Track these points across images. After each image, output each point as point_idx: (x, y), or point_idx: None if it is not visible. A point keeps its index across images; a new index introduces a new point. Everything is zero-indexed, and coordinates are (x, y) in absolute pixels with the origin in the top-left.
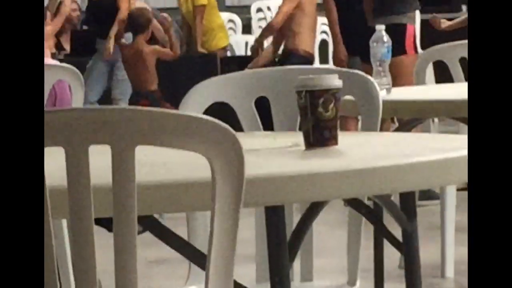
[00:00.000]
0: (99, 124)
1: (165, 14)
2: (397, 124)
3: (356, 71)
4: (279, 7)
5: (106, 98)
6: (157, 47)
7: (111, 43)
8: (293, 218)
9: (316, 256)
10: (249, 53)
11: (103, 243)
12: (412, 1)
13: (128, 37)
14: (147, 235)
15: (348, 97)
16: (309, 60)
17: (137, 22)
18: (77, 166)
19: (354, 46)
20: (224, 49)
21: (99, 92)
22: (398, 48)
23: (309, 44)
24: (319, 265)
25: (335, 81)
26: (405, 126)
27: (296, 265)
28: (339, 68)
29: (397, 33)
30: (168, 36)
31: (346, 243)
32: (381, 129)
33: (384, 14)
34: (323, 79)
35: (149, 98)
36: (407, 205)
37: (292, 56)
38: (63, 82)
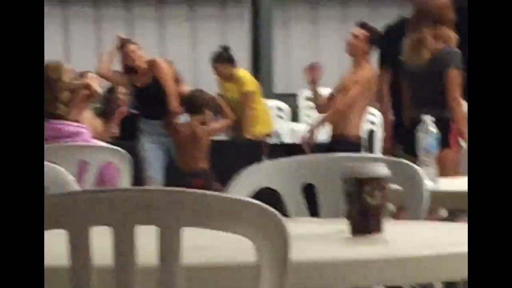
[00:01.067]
0: (147, 204)
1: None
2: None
3: (403, 160)
4: (340, 90)
5: (170, 173)
6: (210, 127)
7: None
8: None
9: None
10: (296, 140)
11: None
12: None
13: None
14: None
15: (394, 185)
16: (358, 144)
17: (194, 104)
18: (124, 246)
19: (398, 138)
20: (268, 135)
21: (161, 168)
22: (442, 141)
23: (358, 128)
24: None
25: (382, 170)
26: (451, 216)
27: None
28: (386, 157)
29: (441, 127)
30: (218, 105)
31: None
32: (429, 218)
33: (427, 107)
34: (370, 167)
35: (201, 177)
36: None
37: (342, 142)
38: (111, 164)
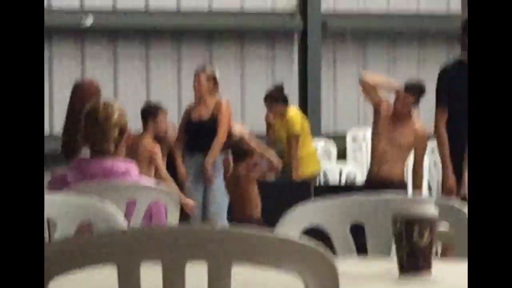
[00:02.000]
0: (197, 242)
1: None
2: None
3: (452, 201)
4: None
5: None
6: (255, 173)
7: (209, 162)
8: None
9: None
10: (343, 181)
11: None
12: None
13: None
14: None
15: (443, 226)
16: (404, 187)
17: (239, 151)
18: (174, 282)
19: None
20: (314, 176)
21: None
22: None
23: (404, 172)
24: None
25: (431, 210)
26: None
27: None
28: (434, 198)
29: None
30: (262, 155)
31: None
32: None
33: None
34: (419, 208)
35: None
36: None
37: (388, 186)
38: (159, 204)
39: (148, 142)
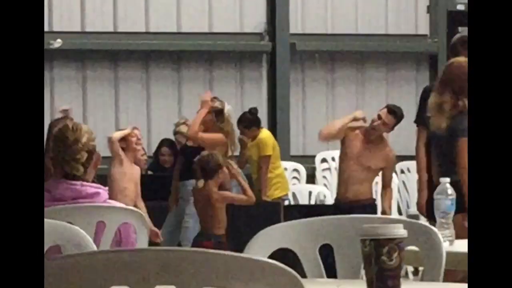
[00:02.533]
0: (166, 265)
1: (231, 161)
2: None
3: (420, 222)
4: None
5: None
6: (228, 193)
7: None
8: None
9: None
10: (312, 202)
11: None
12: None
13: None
14: None
15: (411, 247)
16: (373, 206)
17: (208, 167)
18: None
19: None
20: (284, 198)
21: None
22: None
23: (371, 190)
24: None
25: (400, 231)
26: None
27: None
28: (403, 218)
29: (456, 191)
30: (239, 182)
31: None
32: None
33: (446, 171)
34: (388, 228)
35: (212, 240)
36: None
37: (357, 207)
38: (128, 225)
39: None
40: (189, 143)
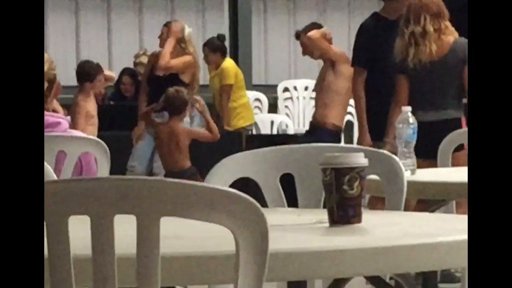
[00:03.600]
0: (125, 194)
1: (197, 97)
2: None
3: (382, 150)
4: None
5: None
6: (192, 129)
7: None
8: None
9: None
10: (274, 131)
11: None
12: (462, 91)
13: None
14: None
15: (373, 176)
16: (337, 133)
17: (174, 103)
18: (102, 235)
19: (381, 133)
20: (248, 128)
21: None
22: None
23: (338, 117)
24: None
25: (361, 160)
26: (429, 207)
27: None
28: (365, 147)
29: (455, 128)
30: (205, 119)
31: None
32: (407, 209)
33: (435, 108)
34: (348, 157)
35: (184, 176)
36: (429, 285)
37: (320, 130)
38: (89, 155)
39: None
40: (159, 73)
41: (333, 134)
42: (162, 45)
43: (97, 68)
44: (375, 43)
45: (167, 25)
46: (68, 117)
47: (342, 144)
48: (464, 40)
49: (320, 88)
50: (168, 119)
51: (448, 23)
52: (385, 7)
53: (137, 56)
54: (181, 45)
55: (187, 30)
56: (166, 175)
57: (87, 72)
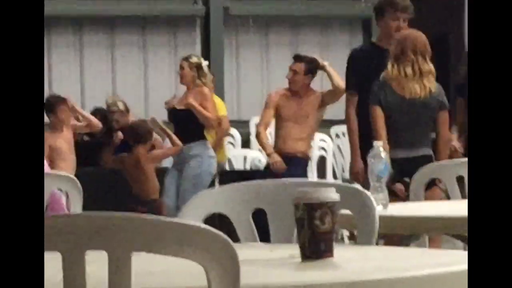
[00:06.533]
0: (96, 230)
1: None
2: None
3: (353, 185)
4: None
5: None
6: (155, 152)
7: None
8: None
9: None
10: (248, 167)
11: None
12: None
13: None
14: None
15: (345, 210)
16: (305, 161)
17: (137, 132)
18: (73, 271)
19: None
20: (221, 164)
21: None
22: (432, 180)
23: (307, 146)
24: None
25: (332, 194)
26: (402, 241)
27: None
28: (336, 182)
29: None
30: (163, 132)
31: None
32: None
33: (410, 146)
34: (320, 192)
35: (147, 206)
36: None
37: (289, 159)
38: (55, 192)
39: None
40: (178, 107)
41: (301, 162)
42: (183, 80)
43: (58, 99)
44: (366, 67)
45: (186, 59)
46: None
47: (313, 173)
48: (440, 86)
49: (290, 121)
50: (133, 149)
51: (430, 65)
52: (379, 36)
53: (110, 105)
54: (202, 80)
55: (204, 62)
56: (131, 203)
57: (47, 104)
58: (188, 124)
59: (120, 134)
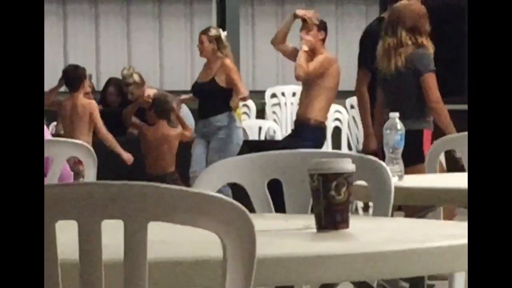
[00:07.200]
0: (112, 199)
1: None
2: None
3: (369, 156)
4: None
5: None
6: (182, 130)
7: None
8: None
9: None
10: (262, 137)
11: None
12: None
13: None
14: None
15: (360, 182)
16: (321, 128)
17: (162, 107)
18: (89, 241)
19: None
20: None
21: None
22: (416, 156)
23: (323, 114)
24: None
25: (348, 165)
26: (417, 213)
27: None
28: (352, 153)
29: (414, 141)
30: (178, 118)
31: None
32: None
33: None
34: (336, 163)
35: (167, 181)
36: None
37: (304, 128)
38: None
39: (84, 100)
40: (199, 80)
41: (318, 131)
42: (203, 54)
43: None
44: (377, 46)
45: (205, 32)
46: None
47: (328, 140)
48: (422, 51)
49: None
50: (155, 122)
51: (425, 39)
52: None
53: (125, 76)
54: (222, 52)
55: (224, 33)
56: (150, 179)
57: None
58: (213, 96)
59: (149, 94)
